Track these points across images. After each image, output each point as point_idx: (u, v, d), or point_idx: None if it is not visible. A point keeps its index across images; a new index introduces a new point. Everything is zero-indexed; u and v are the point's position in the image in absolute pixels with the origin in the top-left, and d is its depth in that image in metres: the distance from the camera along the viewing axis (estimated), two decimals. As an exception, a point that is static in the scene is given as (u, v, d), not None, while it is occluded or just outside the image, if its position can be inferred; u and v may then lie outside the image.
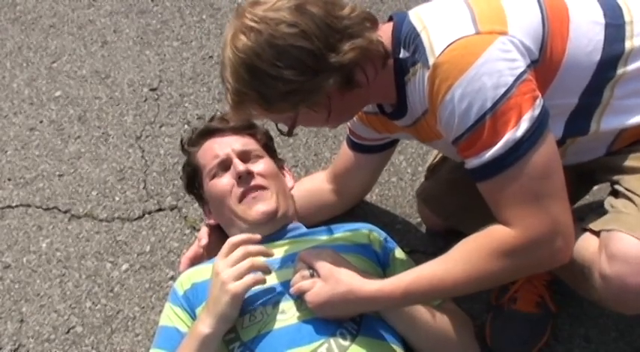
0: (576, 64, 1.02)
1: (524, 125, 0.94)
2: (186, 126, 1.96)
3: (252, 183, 1.30)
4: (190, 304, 1.22)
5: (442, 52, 0.96)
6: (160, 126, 1.97)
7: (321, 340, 1.07)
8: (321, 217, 1.49)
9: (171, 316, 1.24)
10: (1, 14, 2.46)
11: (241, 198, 1.30)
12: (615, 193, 1.07)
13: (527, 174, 0.96)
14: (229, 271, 1.09)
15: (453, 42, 0.95)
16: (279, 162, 1.47)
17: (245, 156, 1.35)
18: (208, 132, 1.41)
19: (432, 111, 1.03)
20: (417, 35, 1.02)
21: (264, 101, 1.01)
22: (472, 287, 1.07)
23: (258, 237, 1.18)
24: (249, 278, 1.09)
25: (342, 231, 1.34)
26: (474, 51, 0.94)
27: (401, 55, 1.06)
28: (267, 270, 1.14)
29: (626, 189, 1.04)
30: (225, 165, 1.34)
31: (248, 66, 0.97)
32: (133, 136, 1.94)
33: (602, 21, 1.04)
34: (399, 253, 1.34)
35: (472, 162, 1.00)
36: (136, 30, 2.33)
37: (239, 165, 1.30)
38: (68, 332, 1.49)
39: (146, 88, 2.10)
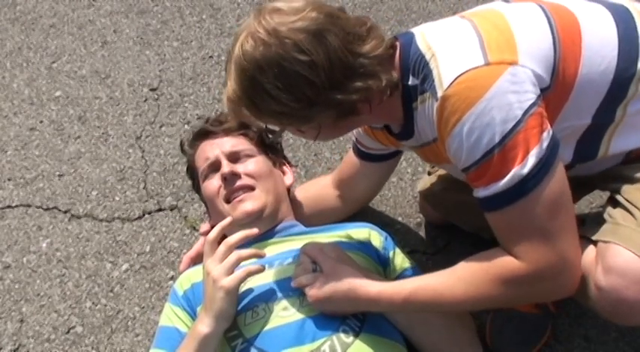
0: (589, 84, 1.00)
1: (531, 161, 0.93)
2: (186, 126, 1.96)
3: (238, 183, 1.31)
4: (190, 304, 1.23)
5: (451, 84, 0.93)
6: (160, 126, 1.97)
7: (324, 337, 1.07)
8: (324, 221, 1.49)
9: (171, 316, 1.24)
10: (1, 14, 2.46)
11: (227, 199, 1.32)
12: (614, 202, 1.07)
13: (534, 210, 0.95)
14: (219, 268, 1.10)
15: (462, 74, 0.93)
16: (277, 159, 1.47)
17: (234, 157, 1.36)
18: (202, 135, 1.44)
19: (441, 141, 1.02)
20: (426, 63, 0.99)
21: (256, 110, 1.00)
22: (471, 307, 1.09)
23: (255, 231, 1.17)
24: (239, 271, 1.10)
25: (343, 229, 1.34)
26: (483, 83, 0.92)
27: (410, 82, 1.04)
28: (258, 256, 1.14)
29: (626, 200, 1.03)
30: (215, 167, 1.35)
31: (250, 75, 0.96)
32: (133, 136, 1.94)
33: (615, 33, 1.01)
34: (398, 252, 1.34)
35: (480, 193, 0.99)
36: (136, 30, 2.33)
37: (224, 167, 1.31)
38: (68, 332, 1.49)
39: (146, 88, 2.10)
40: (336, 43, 0.95)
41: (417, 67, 1.01)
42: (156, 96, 2.07)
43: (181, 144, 1.51)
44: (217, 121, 1.44)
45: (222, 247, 1.13)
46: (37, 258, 1.65)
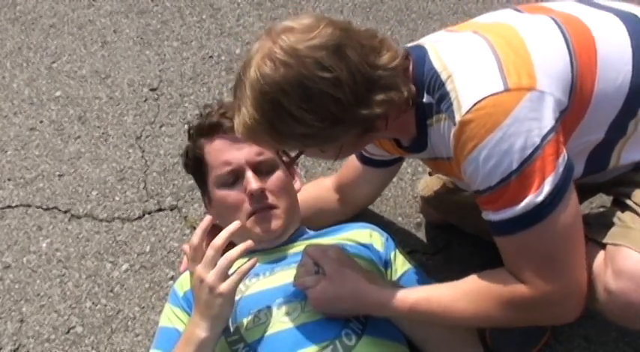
0: (606, 99, 0.98)
1: (546, 188, 0.92)
2: (186, 126, 1.95)
3: (264, 202, 1.25)
4: (190, 305, 1.22)
5: (470, 109, 0.91)
6: (160, 126, 1.97)
7: (326, 342, 1.07)
8: (323, 224, 1.48)
9: (171, 317, 1.24)
10: (1, 14, 2.46)
11: (250, 215, 1.26)
12: (622, 206, 1.06)
13: (545, 237, 0.95)
14: (212, 274, 1.05)
15: (482, 100, 0.91)
16: (289, 163, 1.41)
17: (259, 169, 1.27)
18: (221, 130, 1.28)
19: (456, 163, 1.00)
20: (442, 84, 0.97)
21: (277, 134, 0.96)
22: (474, 324, 1.09)
23: (250, 243, 1.10)
24: (234, 275, 1.07)
25: (344, 232, 1.34)
26: (502, 110, 0.90)
27: (424, 100, 1.01)
28: (246, 250, 1.09)
29: (636, 204, 1.03)
30: (236, 175, 1.26)
31: (271, 99, 0.92)
32: (133, 136, 1.94)
33: (629, 45, 0.99)
34: (399, 253, 1.34)
35: (490, 216, 0.98)
36: (136, 30, 2.33)
37: (252, 183, 1.23)
38: (68, 332, 1.49)
39: (146, 88, 2.10)
40: (355, 57, 0.92)
41: (432, 85, 0.99)
42: (156, 96, 2.07)
43: (189, 129, 1.36)
44: None
45: (211, 251, 1.08)
46: (37, 258, 1.65)
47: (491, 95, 0.90)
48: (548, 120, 0.91)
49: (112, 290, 1.56)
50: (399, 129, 1.08)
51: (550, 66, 0.94)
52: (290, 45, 0.91)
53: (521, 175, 0.91)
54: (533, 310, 1.00)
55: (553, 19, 1.01)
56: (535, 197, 0.92)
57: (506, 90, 0.90)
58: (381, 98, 0.95)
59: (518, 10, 1.07)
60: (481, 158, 0.92)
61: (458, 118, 0.93)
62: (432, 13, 2.31)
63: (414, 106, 1.02)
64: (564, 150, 0.94)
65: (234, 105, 0.98)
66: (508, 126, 0.90)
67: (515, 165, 0.91)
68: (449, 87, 0.96)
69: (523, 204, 0.92)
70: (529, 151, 0.90)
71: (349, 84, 0.91)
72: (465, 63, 0.97)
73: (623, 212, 1.05)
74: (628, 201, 1.05)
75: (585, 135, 1.01)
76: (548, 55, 0.95)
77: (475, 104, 0.91)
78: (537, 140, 0.90)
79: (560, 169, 0.93)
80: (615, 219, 1.04)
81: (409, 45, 1.09)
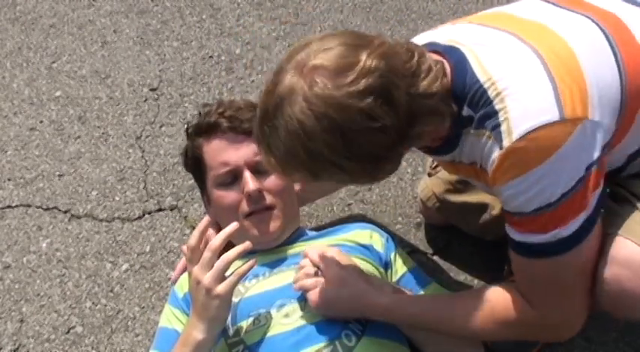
0: None
1: (576, 224, 0.91)
2: (186, 126, 1.95)
3: (262, 203, 1.24)
4: (189, 306, 1.22)
5: (521, 137, 0.86)
6: (160, 126, 1.97)
7: (325, 343, 1.07)
8: (322, 193, 1.44)
9: (171, 318, 1.24)
10: (1, 14, 2.46)
11: (248, 215, 1.25)
12: (616, 196, 1.06)
13: (564, 269, 0.95)
14: (209, 276, 1.05)
15: (536, 129, 0.85)
16: None
17: (257, 168, 1.24)
18: (219, 130, 1.27)
19: (492, 182, 0.95)
20: (489, 101, 0.90)
21: (314, 177, 0.91)
22: (470, 336, 1.10)
23: (248, 244, 1.09)
24: (231, 276, 1.06)
25: (344, 232, 1.34)
26: (555, 143, 0.86)
27: (464, 112, 0.94)
28: (244, 251, 1.07)
29: (631, 194, 1.03)
30: (234, 175, 1.25)
31: (312, 149, 0.86)
32: (133, 136, 1.94)
33: None
34: (400, 254, 1.34)
35: (514, 234, 0.97)
36: (136, 30, 2.33)
37: (250, 183, 1.21)
38: (68, 332, 1.49)
39: (146, 88, 2.10)
40: (401, 98, 0.86)
41: (477, 100, 0.92)
42: (156, 96, 2.07)
43: (187, 129, 1.37)
44: (237, 119, 1.26)
45: (208, 253, 1.06)
46: (37, 258, 1.65)
47: (547, 125, 0.86)
48: (596, 152, 0.89)
49: (112, 290, 1.56)
50: (430, 139, 1.02)
51: (602, 91, 0.90)
52: (329, 94, 0.83)
53: (557, 208, 0.90)
54: (534, 329, 1.01)
55: (598, 25, 0.95)
56: (563, 230, 0.91)
57: (562, 120, 0.86)
58: (424, 129, 0.91)
59: (554, 4, 1.02)
60: (523, 186, 0.89)
61: (507, 143, 0.88)
62: (432, 13, 2.31)
63: (452, 118, 0.97)
64: (602, 183, 0.92)
65: (262, 143, 0.92)
66: (557, 161, 0.87)
67: (555, 198, 0.89)
68: (498, 106, 0.89)
69: (550, 234, 0.92)
70: (571, 185, 0.88)
71: (396, 127, 0.86)
72: (517, 81, 0.90)
73: (617, 202, 1.05)
74: (623, 191, 1.05)
75: (623, 149, 0.99)
76: (601, 78, 0.90)
77: (528, 132, 0.86)
78: (582, 173, 0.88)
79: (594, 205, 0.92)
80: (609, 210, 1.04)
81: (440, 43, 1.00)
